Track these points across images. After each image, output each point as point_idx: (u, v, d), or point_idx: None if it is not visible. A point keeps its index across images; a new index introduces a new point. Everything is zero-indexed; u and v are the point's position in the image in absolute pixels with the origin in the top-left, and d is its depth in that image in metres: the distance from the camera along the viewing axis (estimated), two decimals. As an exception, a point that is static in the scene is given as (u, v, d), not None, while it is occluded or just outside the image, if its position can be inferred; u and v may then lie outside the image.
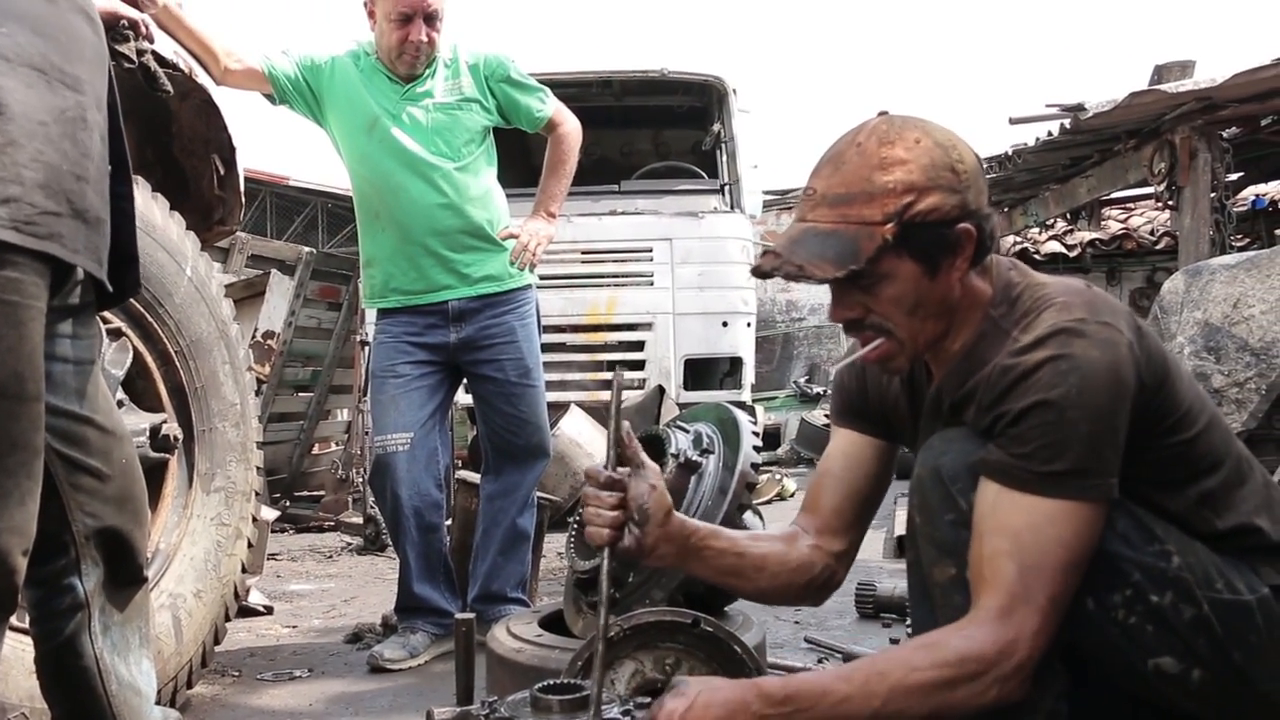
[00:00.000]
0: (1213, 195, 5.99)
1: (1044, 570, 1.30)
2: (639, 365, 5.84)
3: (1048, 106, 6.59)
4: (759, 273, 1.48)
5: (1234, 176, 7.26)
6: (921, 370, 1.58)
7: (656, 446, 2.12)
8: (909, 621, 3.26)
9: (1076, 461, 1.31)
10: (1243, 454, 1.49)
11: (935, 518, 1.42)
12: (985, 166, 7.42)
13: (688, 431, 2.12)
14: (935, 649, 1.31)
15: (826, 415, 7.75)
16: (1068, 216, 9.69)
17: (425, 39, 3.00)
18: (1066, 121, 6.46)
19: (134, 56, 2.23)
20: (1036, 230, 10.45)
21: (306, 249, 7.03)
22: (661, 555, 1.56)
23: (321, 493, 7.05)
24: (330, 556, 5.28)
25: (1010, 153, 7.48)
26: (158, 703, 1.79)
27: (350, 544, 5.56)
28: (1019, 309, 1.43)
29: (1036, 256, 10.67)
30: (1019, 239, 10.64)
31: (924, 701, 1.28)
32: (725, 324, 5.84)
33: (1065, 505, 1.32)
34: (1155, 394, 1.38)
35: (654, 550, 1.55)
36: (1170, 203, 6.27)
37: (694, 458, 2.04)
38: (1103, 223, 10.78)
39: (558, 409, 5.23)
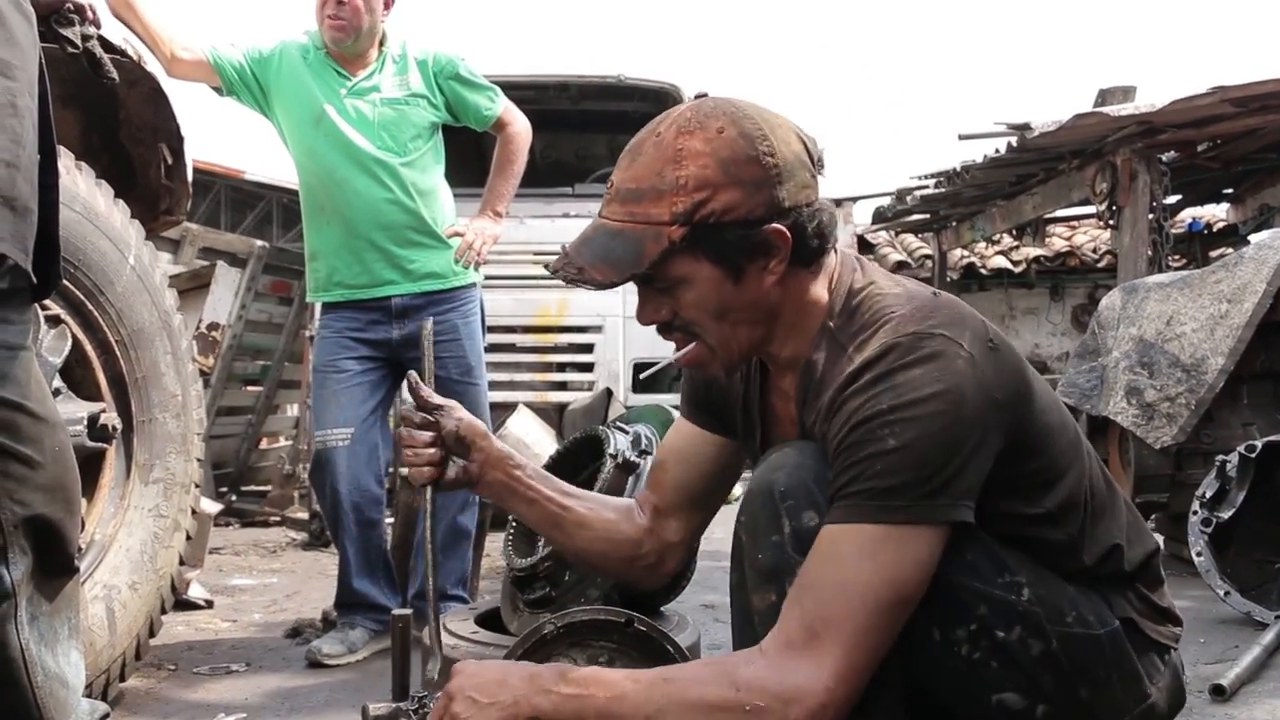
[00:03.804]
0: (1151, 216, 6.17)
1: (838, 607, 1.17)
2: (588, 368, 5.86)
3: (996, 124, 6.74)
4: (550, 270, 1.36)
5: (1172, 199, 7.47)
6: (758, 374, 1.50)
7: (595, 447, 2.14)
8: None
9: (879, 481, 1.18)
10: (1108, 478, 1.43)
11: (760, 539, 1.30)
12: (934, 181, 7.46)
13: (627, 432, 2.14)
14: (724, 668, 1.22)
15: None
16: (1014, 232, 9.89)
17: (347, 3, 2.98)
18: (1013, 140, 6.61)
19: (78, 41, 2.21)
20: (983, 245, 10.65)
21: (259, 242, 6.94)
22: (489, 483, 1.59)
23: (268, 487, 6.97)
24: (274, 551, 5.23)
25: (959, 168, 7.62)
26: (88, 695, 1.78)
27: (295, 539, 5.52)
28: (857, 321, 1.31)
29: (983, 271, 10.88)
30: (966, 253, 10.83)
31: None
32: (675, 328, 5.88)
33: (873, 530, 1.18)
34: (1011, 410, 1.26)
35: (482, 476, 1.58)
36: (1111, 222, 6.44)
37: (632, 458, 2.06)
38: (1047, 239, 11.02)
39: (507, 409, 5.23)
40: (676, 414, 2.18)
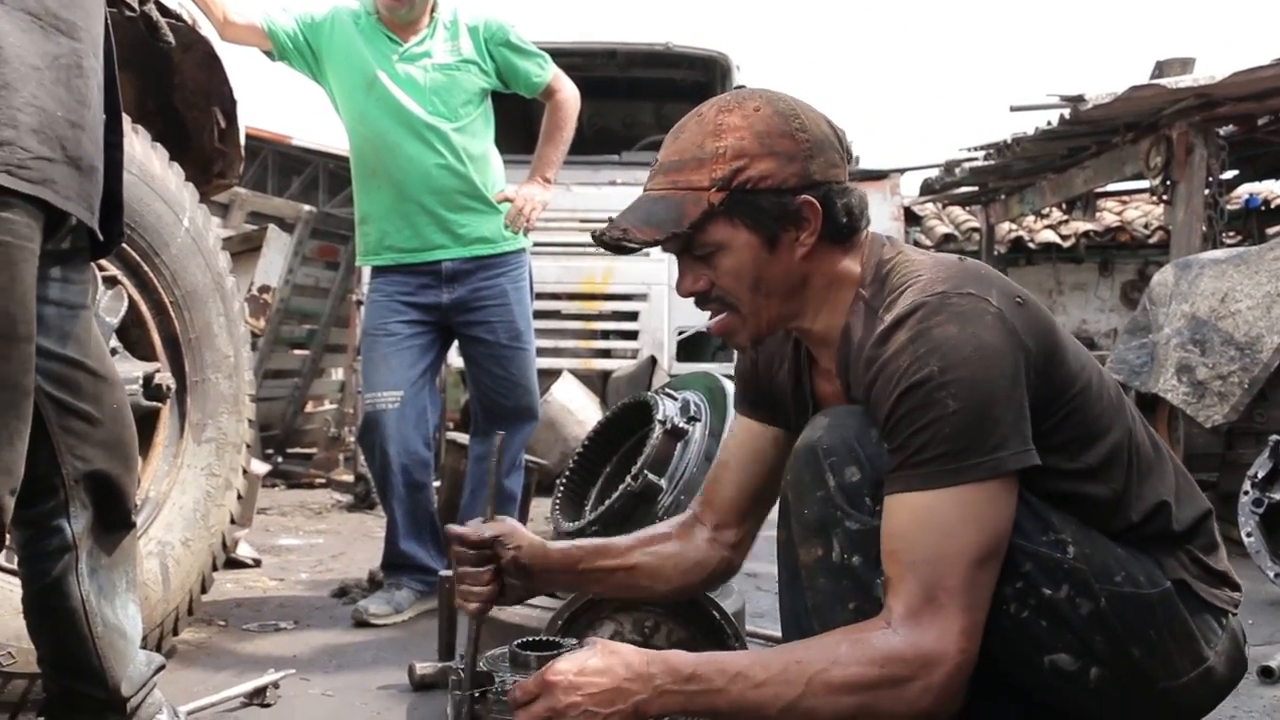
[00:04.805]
0: (1207, 191, 6.01)
1: (942, 568, 1.22)
2: (633, 335, 5.89)
3: (1048, 96, 6.60)
4: (595, 239, 1.42)
5: (1229, 174, 7.29)
6: (805, 358, 1.54)
7: (642, 413, 2.15)
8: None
9: (952, 444, 1.23)
10: (1156, 440, 1.45)
11: (805, 495, 1.36)
12: (984, 153, 7.29)
13: (675, 399, 2.15)
14: (860, 644, 1.22)
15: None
16: (1064, 206, 9.71)
17: None
18: (1066, 112, 6.47)
19: (136, 5, 2.23)
20: (1032, 219, 10.47)
21: (307, 207, 7.01)
22: (551, 582, 1.61)
23: (314, 450, 7.07)
24: (320, 513, 5.31)
25: (1009, 140, 7.48)
26: (144, 647, 1.82)
27: (340, 501, 5.60)
28: (888, 287, 1.37)
29: (1031, 245, 10.72)
30: (1014, 227, 10.67)
31: (846, 700, 1.21)
32: (719, 297, 5.88)
33: (952, 493, 1.23)
34: (1045, 359, 1.31)
35: (543, 586, 1.61)
36: (1165, 197, 6.30)
37: (681, 424, 2.07)
38: (1098, 214, 10.81)
39: (551, 376, 5.26)
40: (725, 382, 2.19)
